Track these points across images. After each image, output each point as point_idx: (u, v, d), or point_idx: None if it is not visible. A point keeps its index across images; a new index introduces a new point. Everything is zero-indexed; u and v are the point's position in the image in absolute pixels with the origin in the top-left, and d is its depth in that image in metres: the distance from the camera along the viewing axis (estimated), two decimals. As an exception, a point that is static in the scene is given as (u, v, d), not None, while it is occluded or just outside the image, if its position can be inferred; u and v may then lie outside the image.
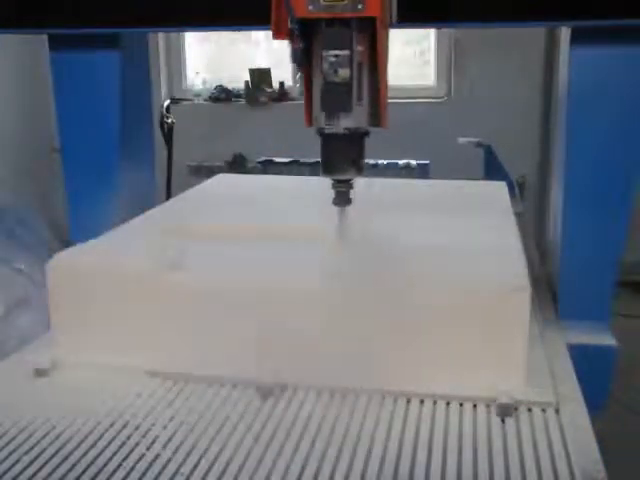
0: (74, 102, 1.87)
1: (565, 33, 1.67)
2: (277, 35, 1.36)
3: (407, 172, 4.26)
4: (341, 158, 1.45)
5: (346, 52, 1.34)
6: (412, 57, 5.16)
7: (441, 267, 1.41)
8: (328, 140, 1.45)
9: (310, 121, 1.49)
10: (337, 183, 1.48)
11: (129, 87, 1.88)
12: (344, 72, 1.34)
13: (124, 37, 1.82)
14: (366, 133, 1.45)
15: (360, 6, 1.29)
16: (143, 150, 2.06)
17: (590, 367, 1.47)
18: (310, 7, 1.31)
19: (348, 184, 1.48)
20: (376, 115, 1.45)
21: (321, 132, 1.44)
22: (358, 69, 1.37)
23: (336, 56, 1.34)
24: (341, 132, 1.41)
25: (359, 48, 1.36)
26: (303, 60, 1.40)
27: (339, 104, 1.38)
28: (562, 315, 1.71)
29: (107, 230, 1.67)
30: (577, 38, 1.55)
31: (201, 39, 5.28)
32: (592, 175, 1.63)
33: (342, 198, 1.49)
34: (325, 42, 1.35)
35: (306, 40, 1.37)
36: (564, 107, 1.68)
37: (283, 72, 5.26)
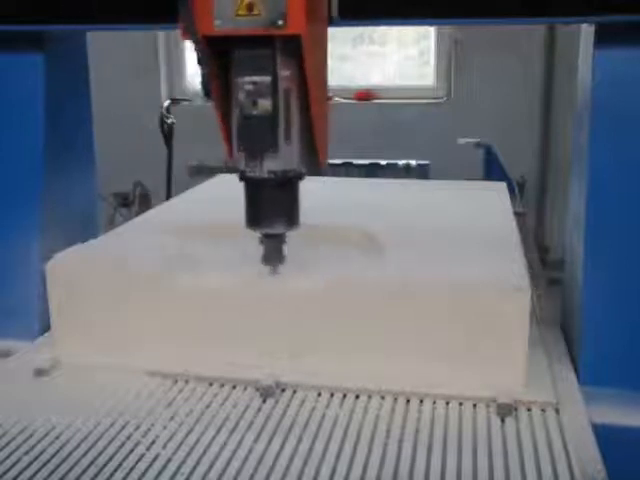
0: None
1: (585, 32, 1.52)
2: (185, 35, 1.11)
3: (407, 172, 4.26)
4: (268, 208, 1.22)
5: (267, 78, 1.10)
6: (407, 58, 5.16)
7: (441, 267, 1.41)
8: (252, 186, 1.21)
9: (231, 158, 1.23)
10: (265, 238, 1.28)
11: (58, 95, 1.65)
12: (264, 103, 1.11)
13: (49, 37, 1.60)
14: (299, 176, 1.22)
15: (280, 21, 1.04)
16: (79, 169, 1.78)
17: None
18: (218, 22, 1.06)
19: (279, 239, 1.28)
20: (312, 153, 1.21)
21: (242, 176, 1.21)
22: (285, 98, 1.13)
23: (254, 83, 1.11)
24: (265, 177, 1.18)
25: (285, 73, 1.12)
26: (214, 88, 1.14)
27: (261, 143, 1.14)
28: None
29: (29, 267, 1.50)
30: (602, 38, 1.41)
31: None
32: (617, 193, 1.43)
33: (272, 255, 1.29)
34: (239, 66, 1.11)
35: (220, 62, 1.13)
36: (585, 113, 1.48)
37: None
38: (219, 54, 1.14)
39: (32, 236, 1.57)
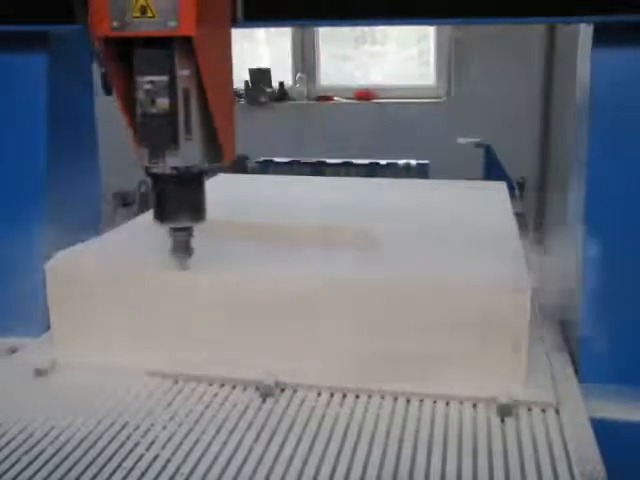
0: None
1: (584, 32, 1.53)
2: (89, 35, 1.16)
3: (407, 172, 4.26)
4: (174, 203, 1.26)
5: (164, 78, 1.14)
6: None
7: (441, 268, 1.41)
8: (157, 181, 1.25)
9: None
10: (174, 231, 1.32)
11: (62, 95, 1.65)
12: (163, 102, 1.15)
13: (54, 36, 1.60)
14: (203, 172, 1.26)
15: (172, 23, 1.08)
16: (83, 168, 1.78)
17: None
18: (115, 24, 1.10)
19: (187, 232, 1.32)
20: (215, 149, 1.25)
21: (147, 172, 1.24)
22: (184, 97, 1.17)
23: (152, 82, 1.14)
24: (168, 172, 1.22)
25: (184, 72, 1.16)
26: (117, 87, 1.19)
27: (161, 140, 1.18)
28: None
29: (33, 265, 1.48)
30: (601, 38, 1.41)
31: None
32: (617, 193, 1.44)
33: (180, 247, 1.33)
34: (139, 66, 1.15)
35: (124, 61, 1.18)
36: (584, 113, 1.49)
37: (283, 72, 5.27)
38: (122, 53, 1.18)
39: (37, 235, 1.58)
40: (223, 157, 1.27)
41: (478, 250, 1.51)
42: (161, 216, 1.30)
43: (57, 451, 1.13)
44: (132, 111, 1.23)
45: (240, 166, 4.88)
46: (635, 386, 1.38)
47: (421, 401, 1.29)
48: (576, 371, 1.43)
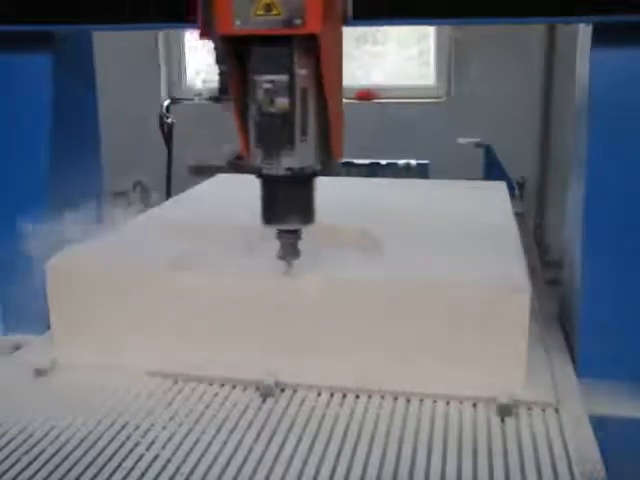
0: None
1: (583, 32, 1.54)
2: (203, 35, 1.16)
3: (407, 172, 4.25)
4: (285, 205, 1.24)
5: (284, 77, 1.13)
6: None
7: (441, 268, 1.41)
8: (268, 183, 1.23)
9: (249, 156, 1.25)
10: (282, 233, 1.29)
11: (66, 94, 1.65)
12: (282, 101, 1.13)
13: (58, 37, 1.60)
14: (315, 174, 1.24)
15: (298, 21, 1.07)
16: (86, 167, 1.79)
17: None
18: (237, 22, 1.09)
19: (295, 235, 1.29)
20: (327, 150, 1.23)
21: (259, 173, 1.23)
22: (301, 97, 1.15)
23: (272, 82, 1.13)
24: (282, 174, 1.20)
25: (302, 71, 1.14)
26: (233, 87, 1.17)
27: (278, 140, 1.16)
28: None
29: (34, 266, 1.48)
30: (600, 38, 1.41)
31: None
32: (616, 191, 1.44)
33: (288, 250, 1.31)
34: (257, 65, 1.14)
35: (239, 61, 1.16)
36: (583, 113, 1.49)
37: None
38: (237, 53, 1.17)
39: (40, 234, 1.57)
40: (333, 158, 1.25)
41: (478, 250, 1.52)
42: (269, 218, 1.27)
43: (57, 451, 1.13)
44: (243, 112, 1.21)
45: (240, 166, 4.88)
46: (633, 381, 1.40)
47: (421, 401, 1.29)
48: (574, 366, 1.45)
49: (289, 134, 1.16)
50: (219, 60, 1.14)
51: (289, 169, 1.19)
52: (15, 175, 1.65)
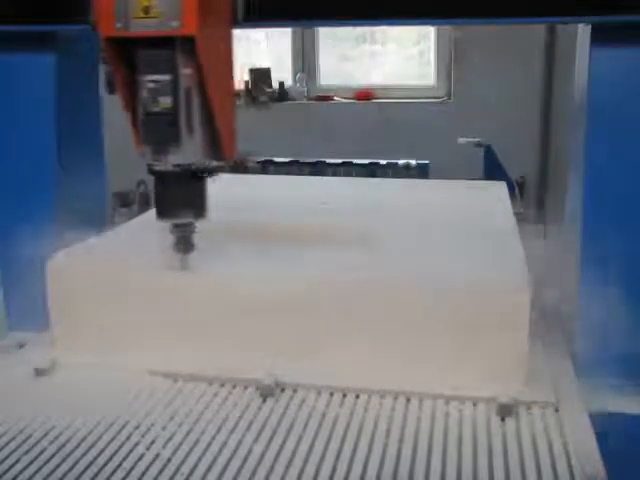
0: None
1: (582, 32, 1.54)
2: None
3: (407, 172, 4.26)
4: (175, 199, 1.29)
5: (166, 77, 1.17)
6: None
7: (441, 268, 1.41)
8: (159, 179, 1.28)
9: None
10: (175, 227, 1.34)
11: (70, 94, 1.66)
12: (165, 100, 1.17)
13: (62, 36, 1.60)
14: (204, 170, 1.29)
15: (175, 23, 1.11)
16: (90, 166, 1.80)
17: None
18: (118, 25, 1.13)
19: (189, 228, 1.34)
20: (216, 147, 1.28)
21: (150, 169, 1.27)
22: (186, 96, 1.19)
23: (155, 82, 1.17)
24: (170, 169, 1.24)
25: (186, 71, 1.18)
26: (120, 87, 1.21)
27: (163, 137, 1.21)
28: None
29: (43, 260, 1.48)
30: (598, 37, 1.41)
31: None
32: (614, 191, 1.44)
33: (182, 243, 1.35)
34: (141, 66, 1.18)
35: (128, 60, 1.20)
36: (582, 113, 1.49)
37: (283, 72, 5.27)
38: (126, 52, 1.21)
39: (45, 232, 1.60)
40: (224, 155, 1.30)
41: (478, 250, 1.52)
42: (162, 212, 1.32)
43: (57, 451, 1.13)
44: (135, 110, 1.26)
45: (240, 166, 4.88)
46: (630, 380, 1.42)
47: (421, 401, 1.29)
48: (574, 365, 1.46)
49: (174, 132, 1.20)
50: (105, 60, 1.20)
51: (177, 165, 1.24)
52: (19, 174, 1.66)
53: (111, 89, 1.24)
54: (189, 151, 1.24)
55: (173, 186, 1.28)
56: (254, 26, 1.43)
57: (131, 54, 1.21)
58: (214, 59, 1.20)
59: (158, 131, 1.21)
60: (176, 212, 1.31)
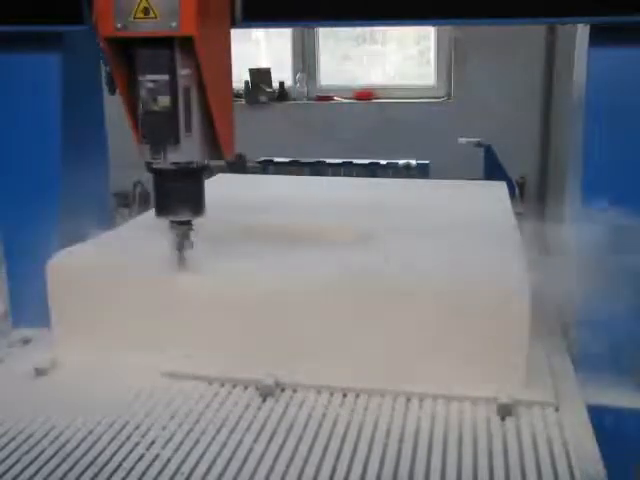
0: (4, 111, 1.65)
1: (581, 32, 1.56)
2: (96, 35, 1.21)
3: (407, 172, 4.26)
4: (174, 197, 1.31)
5: (165, 76, 1.19)
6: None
7: (441, 268, 1.41)
8: (158, 177, 1.30)
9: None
10: (174, 225, 1.36)
11: (74, 93, 1.68)
12: (164, 100, 1.20)
13: (67, 36, 1.62)
14: (203, 168, 1.31)
15: (174, 23, 1.13)
16: (94, 165, 1.82)
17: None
18: (118, 25, 1.15)
19: (187, 226, 1.36)
20: (214, 146, 1.30)
21: (148, 167, 1.30)
22: (184, 95, 1.22)
23: (154, 81, 1.19)
24: (169, 167, 1.27)
25: (184, 71, 1.21)
26: (120, 86, 1.23)
27: (162, 136, 1.23)
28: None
29: (48, 254, 1.50)
30: (597, 37, 1.42)
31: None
32: (613, 190, 1.45)
33: (180, 241, 1.37)
34: (141, 65, 1.20)
35: (127, 61, 1.22)
36: (580, 113, 1.50)
37: (283, 72, 5.27)
38: (125, 52, 1.23)
39: (50, 229, 1.62)
40: (223, 154, 1.31)
41: (478, 250, 1.52)
42: (161, 210, 1.34)
43: (57, 451, 1.13)
44: (134, 109, 1.27)
45: (240, 166, 4.88)
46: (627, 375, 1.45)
47: (421, 401, 1.29)
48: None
49: (173, 131, 1.23)
50: (104, 60, 1.21)
51: (175, 163, 1.26)
52: (25, 173, 1.67)
53: (112, 89, 1.24)
54: (188, 149, 1.26)
55: (171, 184, 1.30)
56: (253, 26, 1.44)
57: (131, 54, 1.23)
58: (213, 59, 1.22)
59: (157, 129, 1.23)
60: (174, 209, 1.33)
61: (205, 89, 1.23)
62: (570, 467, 1.09)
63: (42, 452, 1.13)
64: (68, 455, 1.12)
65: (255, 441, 1.16)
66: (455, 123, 4.55)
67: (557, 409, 1.26)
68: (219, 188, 2.24)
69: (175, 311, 1.41)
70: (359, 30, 5.01)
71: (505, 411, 1.24)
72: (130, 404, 1.28)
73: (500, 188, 2.20)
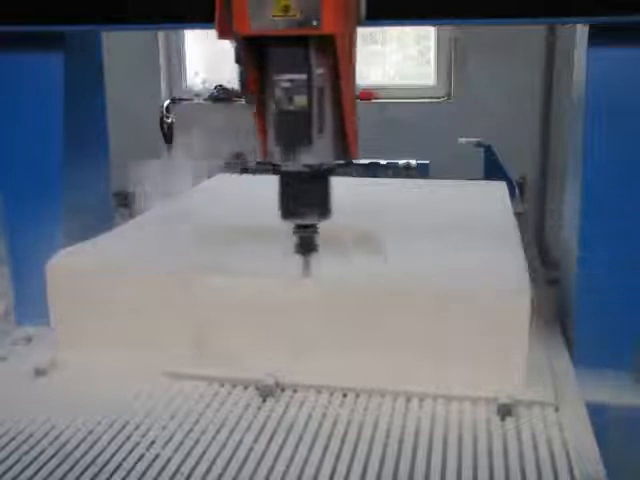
0: (7, 111, 1.66)
1: (581, 32, 1.55)
2: (222, 35, 1.18)
3: (407, 172, 4.25)
4: (302, 200, 1.28)
5: (302, 76, 1.16)
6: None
7: (441, 267, 1.41)
8: (286, 179, 1.27)
9: (266, 154, 1.28)
10: (298, 228, 1.32)
11: (76, 93, 1.68)
12: (301, 99, 1.17)
13: (70, 36, 1.62)
14: (331, 169, 1.28)
15: (315, 22, 1.10)
16: (95, 164, 1.82)
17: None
18: (255, 23, 1.12)
19: (312, 229, 1.32)
20: (343, 147, 1.28)
21: (277, 170, 1.27)
22: (319, 95, 1.19)
23: (291, 81, 1.16)
24: (300, 170, 1.24)
25: (319, 71, 1.18)
26: (251, 86, 1.21)
27: (296, 137, 1.20)
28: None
29: (52, 252, 1.51)
30: (596, 37, 1.42)
31: (202, 38, 5.28)
32: (612, 190, 1.46)
33: (306, 245, 1.34)
34: (277, 65, 1.17)
35: (258, 61, 1.20)
36: (580, 113, 1.50)
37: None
38: (256, 52, 1.21)
39: (53, 228, 1.64)
40: (349, 154, 1.29)
41: (478, 250, 1.52)
42: (288, 213, 1.30)
43: (57, 451, 1.13)
44: (265, 110, 1.25)
45: (240, 166, 4.88)
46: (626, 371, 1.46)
47: (421, 401, 1.29)
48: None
49: (307, 131, 1.20)
50: (238, 60, 1.18)
51: (307, 165, 1.23)
52: (28, 173, 1.68)
53: (244, 88, 1.21)
54: (319, 151, 1.23)
55: (301, 186, 1.26)
56: (377, 24, 1.42)
57: (262, 54, 1.20)
58: (347, 58, 1.20)
59: (291, 130, 1.20)
60: (302, 213, 1.29)
61: (340, 88, 1.20)
62: (570, 467, 1.09)
63: (42, 452, 1.13)
64: (68, 455, 1.12)
65: (255, 441, 1.16)
66: (455, 123, 4.55)
67: (557, 409, 1.26)
68: (219, 188, 2.24)
69: (175, 311, 1.41)
70: (359, 30, 5.02)
71: (505, 411, 1.24)
72: (130, 404, 1.28)
73: (500, 188, 2.20)
